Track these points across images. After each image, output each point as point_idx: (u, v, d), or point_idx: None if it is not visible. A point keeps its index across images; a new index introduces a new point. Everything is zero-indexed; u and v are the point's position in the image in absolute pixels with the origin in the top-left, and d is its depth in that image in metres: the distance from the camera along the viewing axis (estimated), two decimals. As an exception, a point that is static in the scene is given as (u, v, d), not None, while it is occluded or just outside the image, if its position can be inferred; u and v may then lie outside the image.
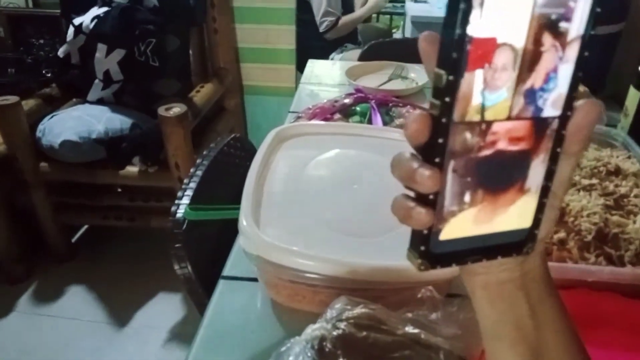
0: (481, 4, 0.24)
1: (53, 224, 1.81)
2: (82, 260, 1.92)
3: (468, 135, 0.27)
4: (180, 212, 0.67)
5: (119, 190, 1.80)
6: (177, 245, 0.65)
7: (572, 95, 0.28)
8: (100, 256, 1.94)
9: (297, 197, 0.65)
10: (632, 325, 0.51)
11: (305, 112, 1.06)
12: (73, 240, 2.00)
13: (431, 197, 0.27)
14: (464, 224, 0.29)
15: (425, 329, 0.47)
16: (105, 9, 1.70)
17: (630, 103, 0.87)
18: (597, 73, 1.13)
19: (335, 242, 0.57)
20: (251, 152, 0.90)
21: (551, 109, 0.28)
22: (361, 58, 1.55)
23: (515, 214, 0.30)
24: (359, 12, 2.63)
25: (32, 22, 1.96)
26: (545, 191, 0.29)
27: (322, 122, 0.95)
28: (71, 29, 1.71)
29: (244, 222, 0.57)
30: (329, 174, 0.71)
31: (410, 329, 0.45)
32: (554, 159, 0.29)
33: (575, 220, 0.61)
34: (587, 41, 0.27)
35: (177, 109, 1.55)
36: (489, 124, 0.27)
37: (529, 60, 0.26)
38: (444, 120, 0.26)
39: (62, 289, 1.79)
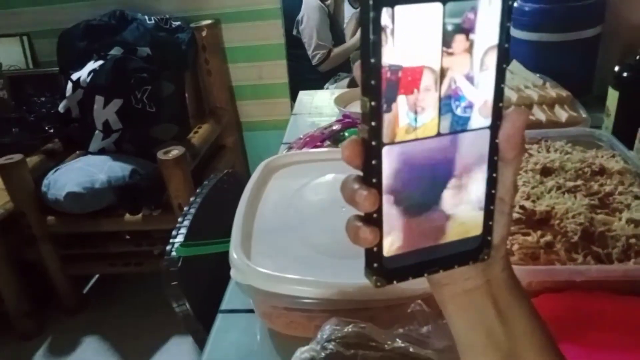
0: (392, 33, 0.26)
1: (62, 276, 1.83)
2: (93, 310, 1.92)
3: (401, 154, 0.28)
4: (174, 251, 0.68)
5: (127, 237, 1.82)
6: (173, 283, 0.66)
7: (498, 105, 0.29)
8: (110, 305, 1.94)
9: (286, 225, 0.66)
10: (624, 323, 0.51)
11: (296, 142, 1.08)
12: (84, 291, 2.01)
13: (375, 215, 0.28)
14: (412, 238, 0.30)
15: (416, 343, 0.47)
16: (100, 62, 1.76)
17: (611, 103, 0.88)
18: (581, 76, 1.14)
19: (324, 265, 0.58)
20: (245, 186, 0.91)
21: (479, 120, 0.29)
22: (350, 85, 1.59)
23: (463, 223, 0.31)
24: (349, 42, 2.69)
25: (33, 81, 2.03)
26: (490, 198, 0.31)
27: (311, 150, 0.97)
28: (70, 85, 1.77)
29: (234, 254, 0.58)
30: (317, 199, 0.72)
31: (398, 344, 0.46)
32: (492, 167, 0.30)
33: (560, 222, 0.61)
34: (504, 52, 0.28)
35: (175, 151, 1.58)
36: (420, 142, 0.28)
37: (449, 77, 0.27)
38: (373, 143, 0.27)
39: (75, 341, 1.79)
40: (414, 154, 0.28)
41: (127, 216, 1.68)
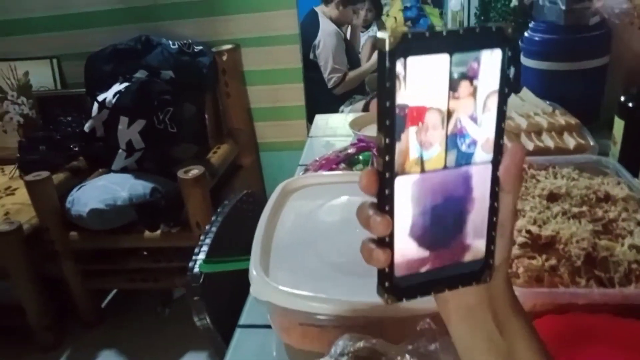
0: (405, 79, 0.30)
1: (83, 291, 1.88)
2: (111, 324, 1.97)
3: (411, 185, 0.32)
4: (197, 267, 0.72)
5: (145, 253, 1.87)
6: (195, 298, 0.70)
7: (499, 142, 0.33)
8: (127, 319, 1.98)
9: (303, 243, 0.70)
10: (625, 343, 0.53)
11: (312, 164, 1.12)
12: (103, 305, 2.06)
13: (387, 239, 0.32)
14: (421, 260, 0.33)
15: (424, 358, 0.50)
16: (125, 84, 1.84)
17: (617, 132, 0.91)
18: (589, 104, 1.17)
19: (338, 282, 0.62)
20: (263, 206, 0.96)
21: (482, 155, 0.33)
22: (365, 108, 1.63)
23: (468, 247, 0.34)
24: (364, 66, 2.75)
25: (61, 101, 2.12)
26: (492, 225, 0.34)
27: (327, 173, 1.01)
28: (95, 105, 1.85)
29: (253, 271, 0.62)
30: (333, 220, 0.76)
31: (407, 359, 0.49)
32: (494, 197, 0.34)
33: (565, 247, 0.64)
34: (504, 96, 0.32)
35: (195, 170, 1.64)
36: (428, 174, 0.32)
37: (455, 117, 0.31)
38: (387, 175, 0.31)
39: (92, 354, 1.83)
40: (423, 184, 0.32)
41: (146, 233, 1.73)
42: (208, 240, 0.77)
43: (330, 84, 2.57)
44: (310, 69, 2.46)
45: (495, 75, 0.32)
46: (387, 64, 0.29)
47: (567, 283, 0.59)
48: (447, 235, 0.34)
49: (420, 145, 0.31)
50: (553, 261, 0.62)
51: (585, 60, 1.14)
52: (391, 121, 0.30)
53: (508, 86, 0.33)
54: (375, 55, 2.88)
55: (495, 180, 0.33)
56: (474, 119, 0.32)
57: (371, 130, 1.35)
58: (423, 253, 0.33)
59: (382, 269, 0.33)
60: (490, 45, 0.31)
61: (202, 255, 0.74)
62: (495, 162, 0.33)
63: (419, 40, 0.29)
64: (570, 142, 0.98)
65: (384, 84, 0.30)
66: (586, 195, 0.75)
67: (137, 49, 1.94)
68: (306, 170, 1.11)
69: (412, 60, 0.29)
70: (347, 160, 1.09)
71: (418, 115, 0.31)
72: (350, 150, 1.12)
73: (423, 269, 0.33)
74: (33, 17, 2.12)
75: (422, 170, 0.32)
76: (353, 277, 0.62)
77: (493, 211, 0.34)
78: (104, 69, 1.92)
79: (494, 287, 0.36)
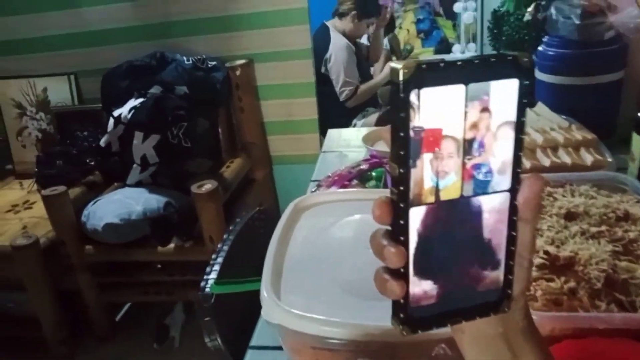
0: (419, 109, 0.29)
1: (98, 303, 1.89)
2: (124, 338, 1.97)
3: (426, 215, 0.31)
4: (208, 287, 0.72)
5: (159, 266, 1.88)
6: (206, 318, 0.70)
7: (516, 170, 0.32)
8: (140, 333, 1.99)
9: (316, 264, 0.69)
10: (647, 372, 0.51)
11: (324, 180, 1.12)
12: (117, 318, 2.07)
13: (402, 270, 0.31)
14: (436, 291, 0.33)
15: (439, 386, 0.48)
16: (141, 100, 1.86)
17: (635, 148, 0.89)
18: (605, 119, 1.15)
19: (350, 305, 0.61)
20: (276, 222, 0.96)
21: (499, 184, 0.32)
22: (379, 122, 1.63)
23: (486, 277, 0.33)
24: (376, 78, 2.75)
25: (78, 117, 2.15)
26: (510, 254, 0.33)
27: (339, 190, 1.00)
28: (111, 120, 1.87)
29: (264, 292, 0.61)
30: (346, 239, 0.75)
31: (421, 386, 0.48)
32: (512, 226, 0.33)
33: (584, 268, 0.62)
34: (521, 126, 0.31)
35: (208, 185, 1.64)
36: (444, 203, 0.31)
37: (471, 145, 0.31)
38: (402, 205, 0.31)
39: (106, 367, 1.84)
40: (439, 214, 0.31)
41: (160, 247, 1.74)
42: (220, 259, 0.77)
43: (342, 97, 2.57)
44: (322, 82, 2.47)
45: (511, 105, 0.31)
46: (401, 94, 0.29)
47: (587, 307, 0.58)
48: (464, 265, 0.33)
49: (436, 175, 0.31)
50: (572, 283, 0.60)
51: (600, 75, 1.12)
52: (405, 151, 0.30)
53: (524, 115, 0.32)
54: (387, 67, 2.87)
55: (513, 209, 0.33)
56: (490, 147, 0.31)
57: (384, 146, 1.34)
58: (439, 283, 0.33)
59: (396, 300, 0.32)
60: (506, 75, 0.31)
61: (213, 275, 0.74)
62: (513, 191, 0.33)
63: (433, 71, 0.29)
64: (588, 158, 0.96)
65: (398, 114, 0.29)
66: (605, 214, 0.73)
67: (152, 65, 1.97)
68: (319, 186, 1.10)
69: (426, 91, 0.29)
70: (359, 177, 1.08)
71: (433, 144, 0.30)
72: (363, 166, 1.11)
73: (439, 300, 0.33)
74: (51, 35, 2.17)
75: (438, 200, 0.31)
76: (366, 299, 0.61)
77: (511, 240, 0.33)
78: (120, 84, 1.94)
79: (512, 317, 0.35)
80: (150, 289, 1.88)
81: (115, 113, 1.87)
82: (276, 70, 2.11)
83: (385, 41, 3.16)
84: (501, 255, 0.33)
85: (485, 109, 0.30)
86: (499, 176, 0.32)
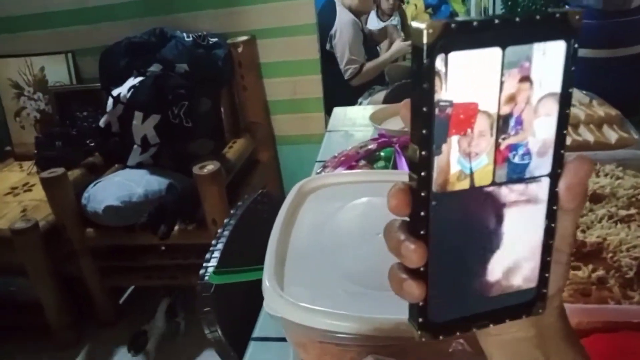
0: (446, 79, 0.24)
1: (100, 288, 1.87)
2: (128, 322, 1.95)
3: (452, 205, 0.26)
4: (207, 276, 0.68)
5: (163, 248, 1.85)
6: (206, 309, 0.66)
7: (559, 151, 0.27)
8: (145, 317, 1.96)
9: (322, 251, 0.64)
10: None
11: (330, 161, 1.07)
12: (120, 302, 2.05)
13: (421, 269, 0.27)
14: (461, 291, 0.28)
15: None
16: (140, 78, 1.80)
17: (666, 124, 0.83)
18: (629, 94, 1.09)
19: (360, 297, 0.56)
20: (280, 206, 0.91)
21: (538, 168, 0.27)
22: (386, 100, 1.57)
23: (517, 275, 0.29)
24: (383, 56, 2.67)
25: (76, 97, 2.10)
26: (547, 249, 0.29)
27: (346, 172, 0.95)
28: (110, 100, 1.82)
29: (266, 282, 0.57)
30: (354, 224, 0.71)
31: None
32: (551, 217, 0.28)
33: (614, 255, 0.57)
34: (567, 99, 0.26)
35: (210, 166, 1.60)
36: (474, 191, 0.26)
37: (507, 122, 0.26)
38: (423, 194, 0.26)
39: (110, 352, 1.82)
40: (466, 204, 0.27)
41: (163, 229, 1.70)
42: (220, 246, 0.72)
43: (346, 76, 2.50)
44: (327, 60, 2.39)
45: (556, 73, 0.26)
46: (425, 61, 0.24)
47: (618, 298, 0.53)
48: (493, 262, 0.28)
49: (464, 158, 0.26)
50: (601, 272, 0.55)
51: (626, 47, 1.05)
52: (429, 130, 0.25)
53: (572, 85, 0.27)
54: (395, 45, 2.78)
55: (553, 198, 0.28)
56: (529, 124, 0.26)
57: (392, 124, 1.29)
58: (465, 283, 0.28)
59: (415, 303, 0.28)
60: (552, 36, 0.25)
61: (213, 262, 0.70)
62: (554, 176, 0.28)
63: (464, 32, 0.24)
64: (612, 135, 0.90)
65: (420, 85, 0.24)
66: (633, 196, 0.68)
67: (151, 42, 1.90)
68: (324, 167, 1.05)
69: (455, 56, 0.24)
70: (367, 157, 1.03)
71: (462, 121, 0.25)
72: (371, 146, 1.06)
73: (464, 302, 0.28)
74: (47, 12, 2.10)
75: (466, 187, 0.26)
76: (376, 290, 0.57)
77: (549, 233, 0.28)
78: (119, 63, 1.89)
79: (545, 319, 0.31)
80: (153, 272, 1.85)
81: (115, 92, 1.82)
82: (280, 46, 2.04)
83: (398, 18, 3.06)
84: (537, 250, 0.29)
85: (525, 78, 0.25)
86: (538, 159, 0.27)
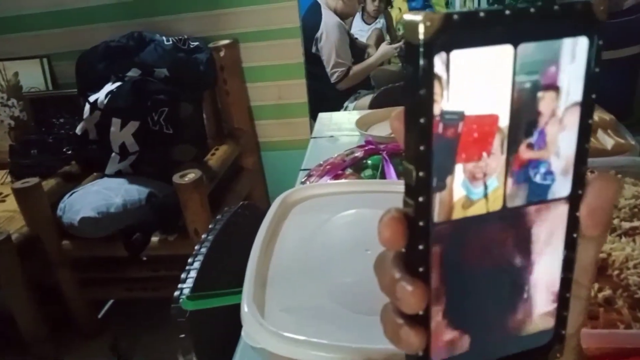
0: (447, 83, 0.19)
1: (79, 300, 1.80)
2: (110, 335, 1.88)
3: (456, 235, 0.22)
4: (182, 298, 0.62)
5: (144, 259, 1.78)
6: (181, 335, 0.60)
7: (580, 170, 0.23)
8: (127, 329, 1.90)
9: (307, 272, 0.59)
10: None
11: (316, 169, 1.02)
12: (100, 315, 1.97)
13: (422, 312, 0.22)
14: (468, 336, 0.23)
15: None
16: (118, 84, 1.74)
17: (664, 129, 0.80)
18: (622, 98, 1.06)
19: (350, 323, 0.51)
20: (263, 218, 0.86)
21: (556, 190, 0.23)
22: (372, 105, 1.53)
23: (532, 315, 0.24)
24: (369, 60, 2.63)
25: (53, 103, 2.03)
26: (566, 284, 0.24)
27: (332, 182, 0.90)
28: (87, 106, 1.75)
29: (245, 308, 0.52)
30: (342, 239, 0.66)
31: None
32: (570, 247, 0.24)
33: (620, 273, 0.53)
34: (589, 107, 0.22)
35: (192, 174, 1.54)
36: (480, 218, 0.22)
37: (519, 139, 0.21)
38: (421, 223, 0.21)
39: (90, 366, 1.75)
40: (472, 234, 0.22)
41: (137, 241, 1.64)
42: (197, 264, 0.67)
43: (333, 79, 2.46)
44: (313, 63, 2.35)
45: (577, 76, 0.22)
46: (422, 61, 0.19)
47: (629, 320, 0.49)
48: (504, 302, 0.24)
49: (470, 179, 0.21)
50: (608, 292, 0.51)
51: (617, 49, 1.02)
52: (427, 146, 0.20)
53: (595, 90, 0.22)
54: (381, 48, 2.76)
55: (573, 224, 0.24)
56: (545, 139, 0.22)
57: (379, 130, 1.25)
58: (472, 328, 0.23)
59: (413, 354, 0.23)
60: (572, 31, 0.21)
61: (189, 283, 0.64)
62: (574, 199, 0.23)
63: (467, 25, 0.19)
64: (608, 141, 0.87)
65: (416, 91, 0.20)
66: (635, 207, 0.64)
67: (129, 46, 1.84)
68: (309, 176, 1.00)
69: (457, 55, 0.19)
70: (354, 165, 0.99)
71: (467, 134, 0.21)
72: (358, 154, 1.01)
73: (472, 350, 0.24)
74: (21, 14, 2.02)
75: (472, 214, 0.22)
76: (367, 315, 0.52)
77: (568, 265, 0.24)
78: (96, 67, 1.82)
79: None
80: (135, 285, 1.78)
81: (92, 98, 1.75)
82: (263, 50, 1.99)
83: (383, 21, 3.03)
84: (554, 285, 0.24)
85: (540, 82, 0.21)
86: (557, 178, 0.23)
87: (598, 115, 0.94)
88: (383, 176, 0.94)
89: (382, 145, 1.03)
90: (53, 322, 1.80)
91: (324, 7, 2.47)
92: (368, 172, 0.96)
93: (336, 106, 2.36)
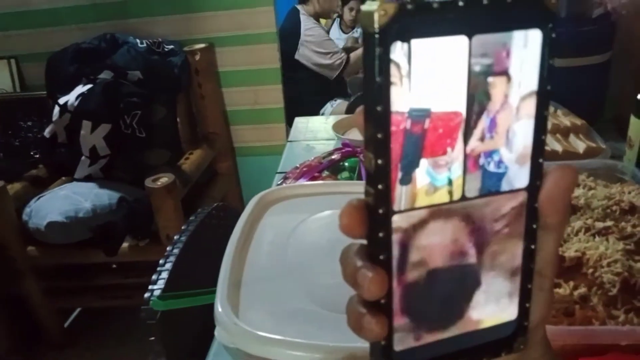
0: (405, 73, 0.20)
1: (47, 309, 1.73)
2: (80, 344, 1.82)
3: (416, 224, 0.22)
4: (152, 299, 0.60)
5: (114, 266, 1.73)
6: (151, 338, 0.58)
7: (537, 161, 0.23)
8: (97, 339, 1.84)
9: (283, 271, 0.58)
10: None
11: (292, 172, 1.01)
12: (66, 324, 1.91)
13: (382, 301, 0.22)
14: (430, 327, 0.24)
15: None
16: (89, 86, 1.69)
17: (634, 133, 0.82)
18: (592, 103, 1.09)
19: (326, 322, 0.50)
20: (237, 220, 0.84)
21: (513, 180, 0.23)
22: (348, 111, 1.53)
23: (494, 307, 0.25)
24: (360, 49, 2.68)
25: (20, 105, 1.97)
26: (527, 274, 0.25)
27: (308, 183, 0.89)
28: (57, 109, 1.70)
29: (219, 308, 0.50)
30: (318, 240, 0.65)
31: None
32: (530, 237, 0.24)
33: (595, 271, 0.53)
34: (545, 98, 0.22)
35: (164, 179, 1.51)
36: (440, 208, 0.22)
37: (478, 128, 0.22)
38: (381, 211, 0.21)
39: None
40: (432, 223, 0.22)
41: (110, 245, 1.59)
42: (168, 265, 0.65)
43: (336, 67, 2.48)
44: (292, 69, 2.35)
45: (532, 66, 0.22)
46: (377, 50, 0.19)
47: (603, 317, 0.49)
48: (466, 293, 0.24)
49: (429, 167, 0.22)
50: (583, 289, 0.52)
51: (588, 56, 1.05)
52: (384, 134, 0.20)
53: (551, 82, 0.23)
54: (358, 51, 2.81)
55: (532, 214, 0.24)
56: (503, 128, 0.22)
57: (356, 134, 1.24)
58: (433, 318, 0.24)
59: (376, 342, 0.23)
60: (526, 22, 0.21)
61: (160, 285, 0.62)
62: (532, 189, 0.23)
63: (423, 14, 0.20)
64: (579, 145, 0.89)
65: (372, 79, 0.20)
66: (608, 207, 0.65)
67: (101, 47, 1.80)
68: (286, 178, 0.99)
69: (417, 44, 0.20)
70: (331, 167, 0.98)
71: (425, 123, 0.21)
72: (335, 156, 1.01)
73: (433, 340, 0.24)
74: (-12, 14, 1.96)
75: (431, 203, 0.22)
76: (341, 314, 0.51)
77: (529, 256, 0.24)
78: (67, 69, 1.77)
79: (529, 355, 0.26)
80: (106, 292, 1.73)
81: (61, 101, 1.70)
82: (239, 54, 1.97)
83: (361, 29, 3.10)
84: (516, 277, 0.25)
85: (495, 72, 0.21)
86: (515, 169, 0.23)
87: (570, 120, 0.96)
88: (360, 178, 0.93)
89: (359, 147, 1.03)
90: (20, 334, 1.74)
91: (302, 12, 2.49)
92: (345, 174, 0.96)
93: (313, 112, 2.36)
